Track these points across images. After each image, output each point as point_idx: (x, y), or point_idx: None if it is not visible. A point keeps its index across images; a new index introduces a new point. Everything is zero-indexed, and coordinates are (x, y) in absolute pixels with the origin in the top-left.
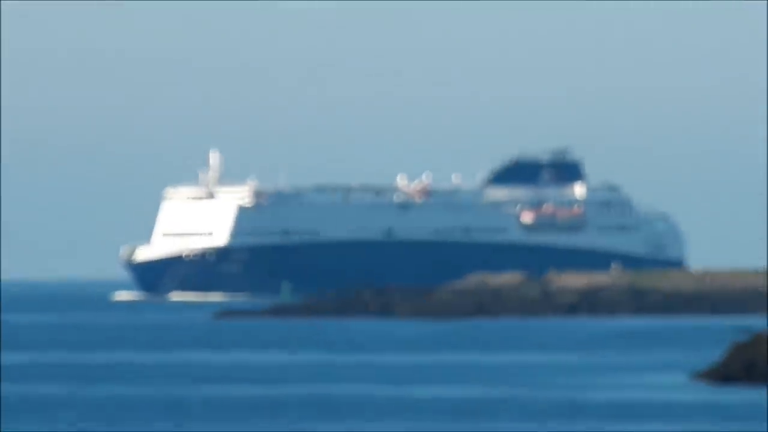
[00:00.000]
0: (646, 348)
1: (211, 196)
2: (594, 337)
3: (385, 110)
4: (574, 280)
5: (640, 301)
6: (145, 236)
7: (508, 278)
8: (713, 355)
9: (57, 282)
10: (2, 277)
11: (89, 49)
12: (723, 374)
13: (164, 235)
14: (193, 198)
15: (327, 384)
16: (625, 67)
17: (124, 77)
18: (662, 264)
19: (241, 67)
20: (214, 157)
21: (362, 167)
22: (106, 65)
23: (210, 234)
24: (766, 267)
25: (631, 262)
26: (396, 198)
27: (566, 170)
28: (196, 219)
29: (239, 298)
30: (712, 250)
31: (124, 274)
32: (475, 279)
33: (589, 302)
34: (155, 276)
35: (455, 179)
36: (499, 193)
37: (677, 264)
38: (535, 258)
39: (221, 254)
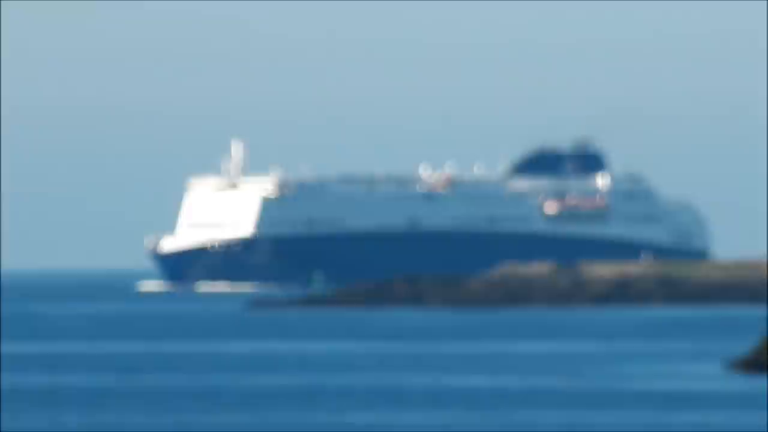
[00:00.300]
0: (679, 338)
1: (234, 186)
2: (626, 327)
3: (408, 100)
4: (604, 270)
5: (671, 291)
6: (170, 226)
7: (538, 268)
8: (746, 344)
9: (82, 273)
10: (28, 268)
11: (113, 37)
12: (756, 363)
13: (189, 225)
14: (217, 188)
15: (363, 374)
16: (647, 56)
17: (147, 67)
18: (687, 254)
19: (264, 57)
20: (237, 148)
21: (385, 157)
22: (129, 55)
23: (235, 224)
24: None
25: (655, 252)
26: (419, 188)
27: (589, 160)
28: (221, 209)
29: (268, 289)
30: (737, 239)
31: (149, 265)
32: (504, 269)
33: (620, 292)
34: (181, 266)
35: (478, 169)
36: (523, 184)
37: (702, 254)
38: (558, 248)
39: (246, 245)
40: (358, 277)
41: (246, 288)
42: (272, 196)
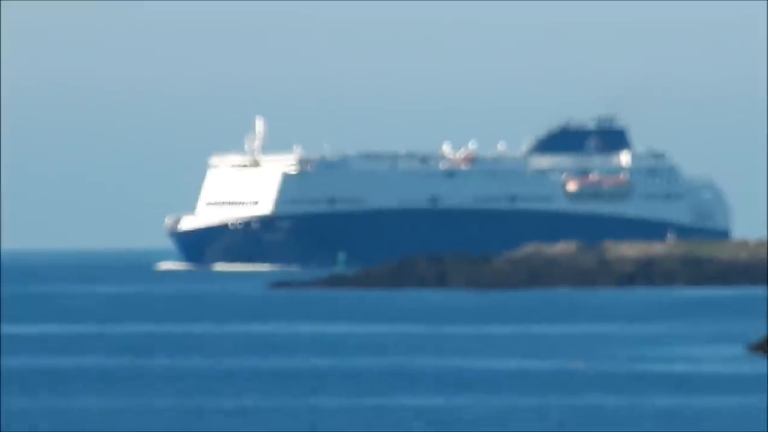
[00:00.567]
0: (703, 319)
1: (256, 164)
2: (650, 308)
3: (429, 79)
4: (629, 250)
5: (696, 271)
6: (191, 205)
7: (562, 248)
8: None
9: (103, 253)
10: (48, 248)
11: (134, 17)
12: None
13: (209, 204)
14: (239, 166)
15: (394, 356)
16: (669, 35)
17: (168, 45)
18: (708, 233)
19: (286, 35)
20: (259, 125)
21: (407, 135)
22: (149, 34)
23: (255, 203)
24: None
25: (677, 231)
26: (441, 165)
27: (612, 138)
28: (242, 187)
29: (291, 269)
30: (757, 219)
31: (169, 244)
32: (528, 248)
33: (646, 272)
34: (200, 245)
35: (500, 147)
36: (545, 161)
37: (723, 234)
38: (580, 226)
39: (266, 223)
40: (380, 256)
41: (266, 268)
42: (293, 174)
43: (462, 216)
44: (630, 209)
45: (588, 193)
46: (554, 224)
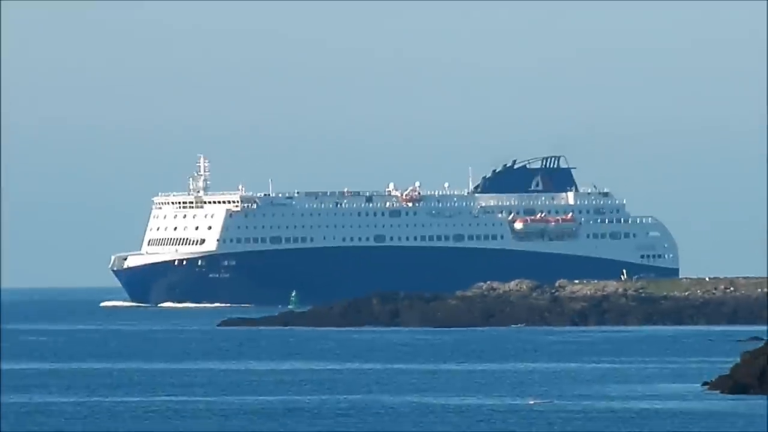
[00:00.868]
0: (658, 356)
1: (200, 202)
2: (606, 345)
3: (374, 119)
4: (582, 288)
5: (650, 309)
6: (135, 244)
7: (515, 286)
8: (725, 363)
9: (46, 290)
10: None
11: (81, 58)
12: (734, 383)
13: (154, 242)
14: (183, 204)
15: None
16: (615, 75)
17: (111, 85)
18: (656, 271)
19: (231, 74)
20: (202, 164)
21: (352, 175)
22: (94, 74)
23: (200, 241)
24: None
25: (624, 269)
26: (387, 204)
27: (558, 177)
28: (186, 226)
29: (240, 307)
30: (705, 257)
31: (114, 282)
32: (481, 286)
33: (599, 310)
34: (145, 283)
35: (446, 186)
36: (491, 200)
37: (672, 271)
38: (527, 265)
39: (211, 261)
40: (326, 293)
41: (212, 306)
42: (237, 212)
43: (408, 254)
44: (577, 248)
45: (534, 231)
46: (501, 262)
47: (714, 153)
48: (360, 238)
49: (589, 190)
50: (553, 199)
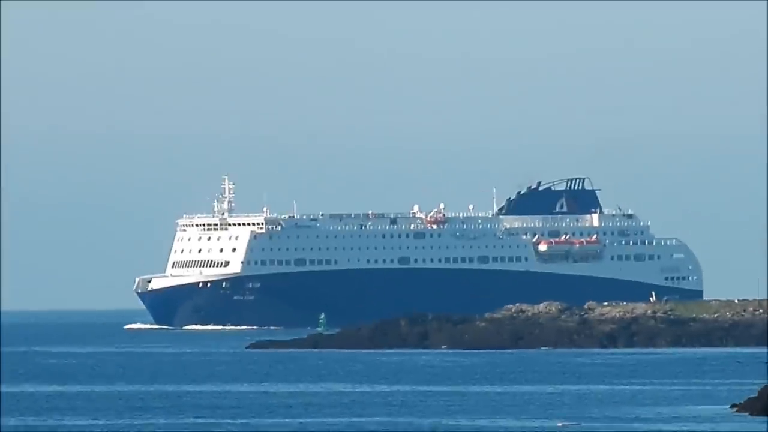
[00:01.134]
0: (687, 378)
1: (225, 224)
2: (635, 367)
3: (399, 140)
4: (611, 310)
5: (678, 331)
6: (160, 267)
7: (544, 308)
8: (753, 385)
9: (71, 312)
10: (18, 309)
11: (102, 74)
12: (763, 405)
13: (178, 264)
14: (207, 227)
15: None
16: (638, 99)
17: (136, 105)
18: (680, 293)
19: (255, 95)
20: (226, 186)
21: (377, 197)
22: (119, 91)
23: (225, 263)
24: None
25: (648, 291)
26: (411, 226)
27: (582, 199)
28: (210, 248)
29: (266, 329)
30: (729, 279)
31: (137, 305)
32: (510, 308)
33: (627, 332)
34: (169, 306)
35: (470, 208)
36: (515, 222)
37: (696, 293)
38: (551, 287)
39: (236, 283)
40: (350, 315)
41: (237, 328)
42: (262, 234)
43: (433, 276)
44: (601, 270)
45: (559, 253)
46: (525, 284)
47: (738, 175)
48: (384, 260)
49: (614, 212)
50: (577, 221)
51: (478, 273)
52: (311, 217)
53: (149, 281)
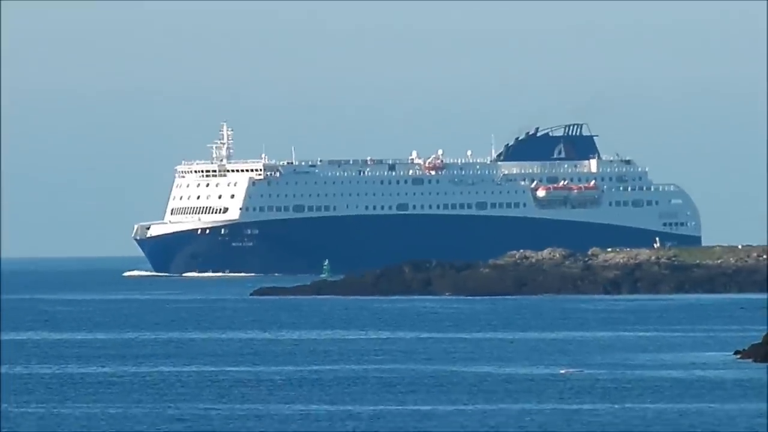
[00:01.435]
0: (690, 325)
1: (223, 171)
2: (638, 313)
3: (397, 87)
4: (615, 257)
5: (681, 278)
6: (158, 214)
7: (548, 254)
8: (757, 332)
9: (68, 260)
10: (12, 256)
11: (99, 27)
12: (767, 352)
13: (176, 211)
14: (206, 173)
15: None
16: (636, 43)
17: (132, 54)
18: (678, 239)
19: (254, 42)
20: (225, 132)
21: (375, 143)
22: (117, 41)
23: (223, 210)
24: None
25: (646, 237)
26: (410, 173)
27: (580, 145)
28: (209, 195)
29: (268, 276)
30: (727, 225)
31: (135, 252)
32: (514, 255)
33: (631, 279)
34: (168, 252)
35: (468, 154)
36: (513, 168)
37: (694, 239)
38: (550, 233)
39: (234, 230)
40: (349, 262)
41: (237, 275)
42: (260, 180)
43: (431, 222)
44: (600, 215)
45: (557, 199)
46: (524, 230)
47: (738, 121)
48: (383, 207)
49: (612, 158)
50: (575, 166)
51: (477, 219)
52: (309, 163)
53: (148, 228)
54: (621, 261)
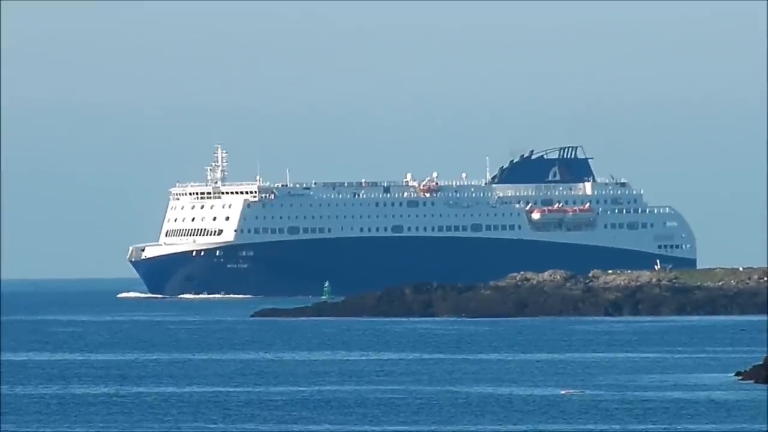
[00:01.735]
0: (691, 346)
1: (218, 193)
2: (639, 335)
3: (392, 109)
4: (616, 278)
5: (682, 300)
6: (153, 235)
7: (549, 276)
8: (758, 353)
9: (63, 281)
10: (10, 277)
11: (96, 47)
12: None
13: (171, 233)
14: (200, 195)
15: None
16: (631, 65)
17: (129, 74)
18: (673, 261)
19: (248, 64)
20: (219, 154)
21: (370, 165)
22: (112, 62)
23: (218, 231)
24: None
25: (642, 259)
26: (404, 195)
27: (575, 167)
28: (204, 216)
29: (268, 298)
30: (722, 247)
31: (130, 273)
32: (515, 277)
33: (632, 301)
34: (163, 274)
35: (463, 176)
36: (508, 191)
37: (689, 262)
38: (545, 255)
39: (229, 252)
40: (344, 284)
41: (230, 297)
42: (255, 202)
43: (426, 244)
44: (595, 238)
45: (552, 222)
46: (518, 253)
47: (734, 143)
48: (378, 229)
49: (607, 181)
50: (570, 189)
51: (471, 241)
52: (304, 185)
53: (143, 250)
54: (622, 283)
